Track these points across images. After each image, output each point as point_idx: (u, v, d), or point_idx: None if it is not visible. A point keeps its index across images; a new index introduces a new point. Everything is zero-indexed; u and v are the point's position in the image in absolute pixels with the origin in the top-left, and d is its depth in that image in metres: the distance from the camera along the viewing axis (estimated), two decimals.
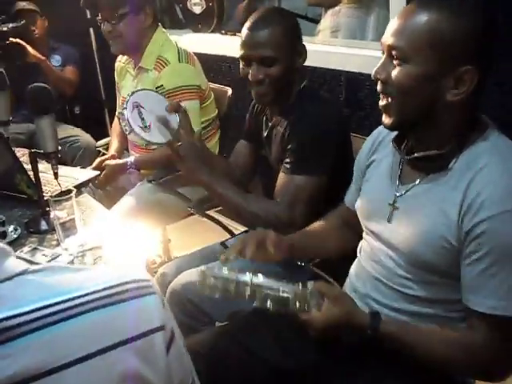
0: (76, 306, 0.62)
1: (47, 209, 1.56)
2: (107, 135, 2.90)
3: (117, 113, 2.45)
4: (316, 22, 2.91)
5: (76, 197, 1.41)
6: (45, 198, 1.61)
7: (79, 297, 0.63)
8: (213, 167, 1.66)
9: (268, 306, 1.10)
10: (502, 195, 1.00)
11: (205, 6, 3.08)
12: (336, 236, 1.47)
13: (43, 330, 0.59)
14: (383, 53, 1.11)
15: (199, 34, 3.19)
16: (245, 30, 1.58)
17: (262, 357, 1.31)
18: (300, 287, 1.11)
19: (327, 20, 2.77)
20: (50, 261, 1.36)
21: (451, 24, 1.02)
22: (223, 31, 3.09)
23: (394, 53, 1.07)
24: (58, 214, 1.43)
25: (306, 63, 1.64)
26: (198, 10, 3.12)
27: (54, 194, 1.57)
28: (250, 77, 1.57)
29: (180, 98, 2.04)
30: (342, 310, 1.11)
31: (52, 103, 1.51)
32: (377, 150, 1.32)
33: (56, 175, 1.56)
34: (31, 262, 1.37)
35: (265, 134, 1.76)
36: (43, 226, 1.57)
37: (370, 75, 1.14)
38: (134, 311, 0.66)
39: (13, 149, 1.73)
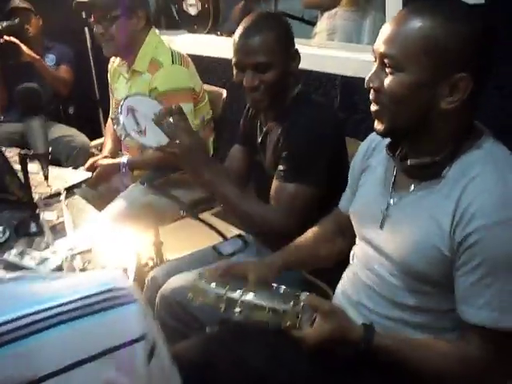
0: (51, 316, 0.59)
1: (37, 211, 1.54)
2: (101, 135, 2.88)
3: (110, 115, 2.43)
4: (312, 25, 2.91)
5: (67, 198, 1.40)
6: (34, 200, 1.59)
7: (55, 307, 0.60)
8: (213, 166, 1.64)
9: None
10: (495, 205, 0.99)
11: (200, 8, 3.07)
12: (329, 242, 1.46)
13: (17, 342, 0.57)
14: (375, 60, 1.09)
15: (195, 35, 3.17)
16: (237, 37, 1.56)
17: (253, 366, 1.28)
18: (291, 305, 1.09)
19: (323, 23, 2.77)
20: (38, 264, 1.34)
21: (445, 30, 1.00)
22: (219, 32, 3.07)
23: (386, 61, 1.05)
24: (47, 216, 1.41)
25: (302, 66, 1.63)
26: (193, 11, 3.10)
27: (44, 196, 1.55)
28: (244, 83, 1.56)
29: (174, 100, 2.01)
30: (334, 325, 1.08)
31: (42, 104, 1.50)
32: (371, 156, 1.31)
33: (46, 177, 1.54)
34: (18, 266, 1.35)
35: (259, 140, 1.75)
36: (33, 228, 1.55)
37: (365, 79, 1.12)
38: (113, 321, 0.64)
39: (2, 149, 1.71)
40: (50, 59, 3.33)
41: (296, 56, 1.61)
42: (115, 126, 1.51)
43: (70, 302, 0.61)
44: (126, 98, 1.53)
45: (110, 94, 2.45)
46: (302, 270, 1.57)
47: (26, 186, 1.58)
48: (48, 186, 1.56)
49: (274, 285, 1.22)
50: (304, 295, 1.11)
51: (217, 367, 1.28)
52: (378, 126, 1.12)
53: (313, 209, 1.56)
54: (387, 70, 1.05)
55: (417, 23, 1.01)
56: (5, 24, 3.12)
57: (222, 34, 3.05)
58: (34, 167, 1.66)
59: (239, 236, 1.92)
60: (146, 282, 1.86)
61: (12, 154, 1.89)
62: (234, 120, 1.95)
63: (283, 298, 1.13)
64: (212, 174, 1.54)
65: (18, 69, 3.12)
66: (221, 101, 2.34)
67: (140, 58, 2.17)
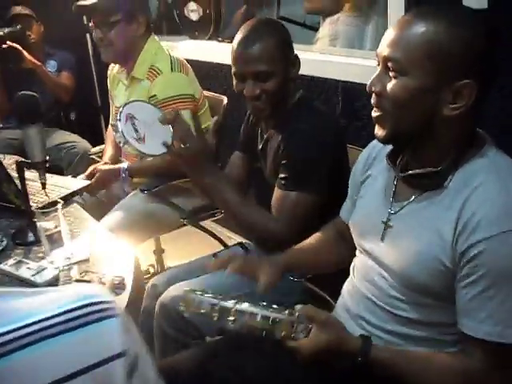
0: (29, 334, 0.57)
1: (34, 219, 1.52)
2: (103, 142, 2.86)
3: (110, 122, 2.42)
4: (315, 30, 2.89)
5: (66, 207, 1.37)
6: (32, 209, 1.57)
7: (33, 323, 0.58)
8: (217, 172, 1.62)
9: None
10: (498, 215, 0.96)
11: (202, 13, 3.05)
12: (330, 248, 1.45)
13: None
14: (378, 64, 1.08)
15: (196, 41, 3.16)
16: (236, 46, 1.54)
17: (251, 376, 1.26)
18: (286, 314, 1.07)
19: (326, 28, 2.75)
20: (34, 275, 1.32)
21: (449, 34, 0.98)
22: (220, 38, 3.06)
23: (389, 64, 1.03)
24: (45, 225, 1.39)
25: (303, 72, 1.62)
26: (194, 16, 3.09)
27: (41, 205, 1.54)
28: (245, 93, 1.54)
29: (173, 107, 2.00)
30: (331, 336, 1.06)
31: (40, 112, 1.48)
32: (372, 165, 1.29)
33: (44, 185, 1.52)
34: (14, 276, 1.34)
35: (260, 147, 1.73)
36: (30, 237, 1.53)
37: (366, 85, 1.10)
38: (92, 337, 0.61)
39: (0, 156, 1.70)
40: (51, 65, 3.33)
41: (296, 62, 1.60)
42: (114, 133, 1.49)
43: (48, 319, 0.59)
44: (124, 105, 1.52)
45: (110, 101, 2.43)
46: (303, 280, 1.55)
47: (24, 194, 1.56)
48: (46, 194, 1.55)
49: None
50: (298, 308, 1.09)
51: (214, 377, 1.27)
52: (379, 131, 1.10)
53: (314, 217, 1.54)
54: (391, 74, 1.04)
55: (421, 27, 1.00)
56: (6, 30, 3.12)
57: (223, 40, 3.03)
58: (32, 175, 1.64)
59: (240, 244, 1.90)
60: (147, 289, 1.85)
61: (11, 162, 1.88)
62: (235, 127, 1.93)
63: (278, 308, 1.10)
64: (214, 180, 1.52)
65: (19, 75, 3.12)
66: (221, 108, 2.32)
67: (139, 64, 2.16)
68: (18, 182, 1.57)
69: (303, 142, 1.54)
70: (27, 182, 1.57)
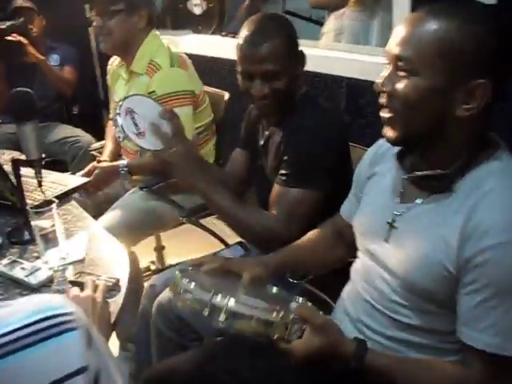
0: None
1: (30, 218, 1.49)
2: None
3: (110, 116, 2.39)
4: (320, 25, 2.88)
5: (62, 205, 1.34)
6: (28, 207, 1.54)
7: None
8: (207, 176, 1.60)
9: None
10: (508, 223, 0.93)
11: (205, 7, 3.02)
12: (329, 246, 1.42)
13: None
14: (389, 63, 1.04)
15: (199, 36, 3.13)
16: (243, 44, 1.51)
17: (248, 380, 1.23)
18: (280, 315, 1.03)
19: (331, 23, 2.73)
20: (28, 275, 1.29)
21: (460, 32, 0.95)
22: (224, 33, 3.02)
23: (400, 63, 1.00)
24: (41, 223, 1.36)
25: (308, 68, 1.59)
26: (198, 10, 3.06)
27: (37, 203, 1.51)
28: (253, 92, 1.51)
29: (172, 104, 1.97)
30: (325, 340, 1.03)
31: (36, 108, 1.44)
32: (379, 162, 1.25)
33: (40, 183, 1.49)
34: (8, 277, 1.31)
35: (261, 143, 1.71)
36: (26, 235, 1.50)
37: (372, 82, 1.07)
38: (54, 352, 0.58)
39: None
40: (54, 59, 3.30)
41: (302, 58, 1.57)
42: (114, 128, 1.47)
43: (3, 335, 0.56)
44: (124, 99, 1.50)
45: (110, 96, 2.40)
46: (303, 281, 1.52)
47: (19, 192, 1.53)
48: (42, 192, 1.52)
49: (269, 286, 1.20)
50: (295, 304, 1.06)
51: (212, 379, 1.24)
52: (389, 133, 1.07)
53: (316, 215, 1.51)
54: (401, 74, 1.00)
55: (432, 25, 0.97)
56: (8, 23, 3.09)
57: (226, 35, 3.00)
58: (29, 171, 1.61)
59: (240, 243, 1.87)
60: (145, 289, 1.83)
61: (9, 158, 1.84)
62: (236, 123, 1.90)
63: (274, 302, 1.07)
64: (205, 183, 1.51)
65: (21, 69, 3.09)
66: (223, 103, 2.29)
67: (138, 59, 2.12)
68: (13, 179, 1.55)
69: (307, 138, 1.51)
70: (25, 179, 1.54)
